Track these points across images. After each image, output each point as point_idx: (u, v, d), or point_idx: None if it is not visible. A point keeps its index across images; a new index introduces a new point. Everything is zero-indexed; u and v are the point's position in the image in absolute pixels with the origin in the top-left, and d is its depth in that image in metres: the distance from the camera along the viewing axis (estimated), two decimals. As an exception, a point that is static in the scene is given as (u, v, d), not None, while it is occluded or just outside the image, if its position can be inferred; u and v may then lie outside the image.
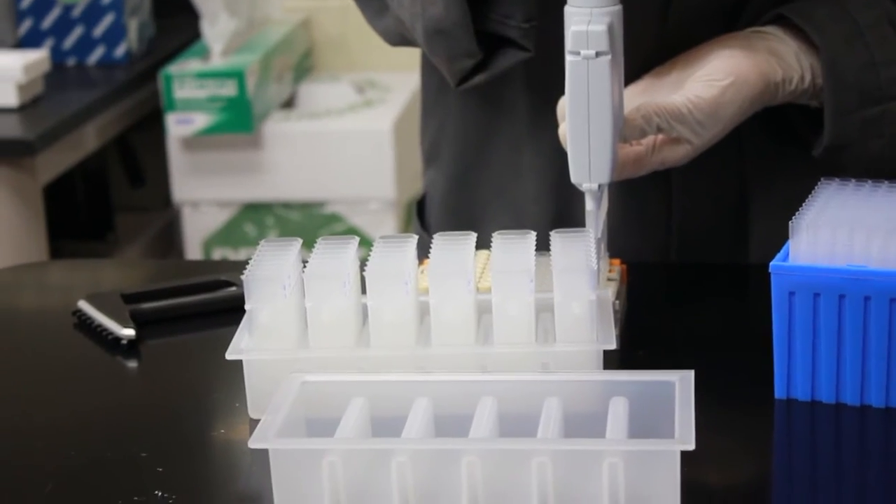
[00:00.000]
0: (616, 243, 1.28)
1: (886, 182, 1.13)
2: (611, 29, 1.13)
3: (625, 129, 1.18)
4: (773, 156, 1.33)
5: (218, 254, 3.09)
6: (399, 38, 1.32)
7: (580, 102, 1.14)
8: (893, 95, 1.25)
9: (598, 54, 1.13)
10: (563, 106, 1.19)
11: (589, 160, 1.16)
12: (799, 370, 1.09)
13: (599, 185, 1.17)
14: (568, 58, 1.14)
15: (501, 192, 1.39)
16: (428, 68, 1.43)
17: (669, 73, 1.25)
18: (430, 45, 1.25)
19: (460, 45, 1.23)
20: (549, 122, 1.25)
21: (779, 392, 1.10)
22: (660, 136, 1.21)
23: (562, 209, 1.35)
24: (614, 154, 1.16)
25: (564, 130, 1.18)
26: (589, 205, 1.17)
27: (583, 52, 1.13)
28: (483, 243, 1.15)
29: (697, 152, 1.22)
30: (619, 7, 1.14)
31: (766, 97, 1.23)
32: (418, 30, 1.24)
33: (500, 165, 1.38)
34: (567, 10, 1.14)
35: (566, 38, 1.14)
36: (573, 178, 1.17)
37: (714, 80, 1.20)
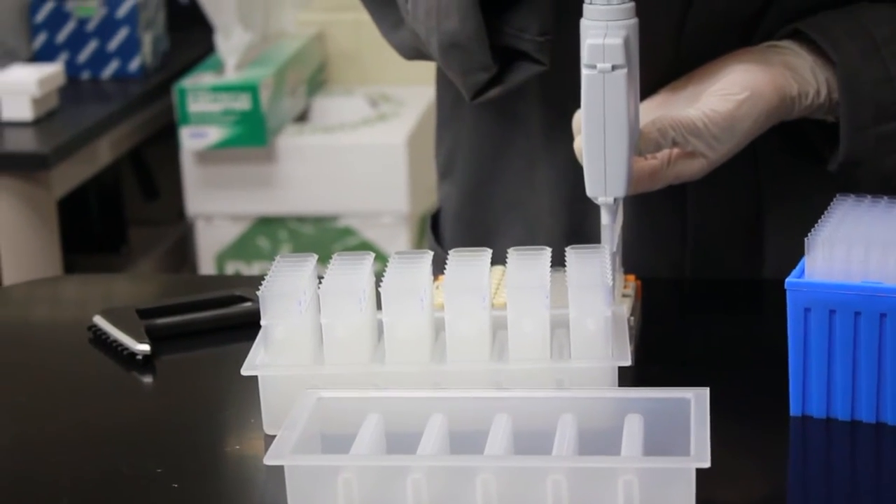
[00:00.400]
0: (631, 258, 1.28)
1: (902, 198, 1.13)
2: (627, 42, 1.13)
3: (640, 143, 1.18)
4: (788, 170, 1.33)
5: (231, 267, 3.09)
6: (414, 51, 1.33)
7: (596, 116, 1.14)
8: None
9: (614, 68, 1.13)
10: (579, 119, 1.19)
11: (605, 174, 1.16)
12: (814, 387, 1.09)
13: (615, 199, 1.17)
14: (584, 71, 1.14)
15: (516, 205, 1.39)
16: (443, 82, 1.44)
17: (685, 87, 1.25)
18: (445, 59, 1.25)
19: (475, 58, 1.23)
20: (565, 135, 1.26)
21: (794, 409, 1.10)
22: (675, 150, 1.21)
23: (577, 223, 1.35)
24: (630, 168, 1.16)
25: (580, 144, 1.18)
26: (605, 219, 1.18)
27: (599, 65, 1.13)
28: (498, 257, 1.15)
29: (713, 167, 1.22)
30: (635, 20, 1.14)
31: (781, 112, 1.23)
32: (433, 44, 1.25)
33: (515, 179, 1.39)
34: (583, 23, 1.14)
35: (582, 51, 1.14)
36: (589, 192, 1.17)
37: (730, 94, 1.21)
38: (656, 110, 1.23)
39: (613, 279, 1.11)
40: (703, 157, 1.21)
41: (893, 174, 1.27)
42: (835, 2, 1.27)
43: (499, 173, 1.40)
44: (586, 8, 1.14)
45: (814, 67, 1.24)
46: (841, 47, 1.24)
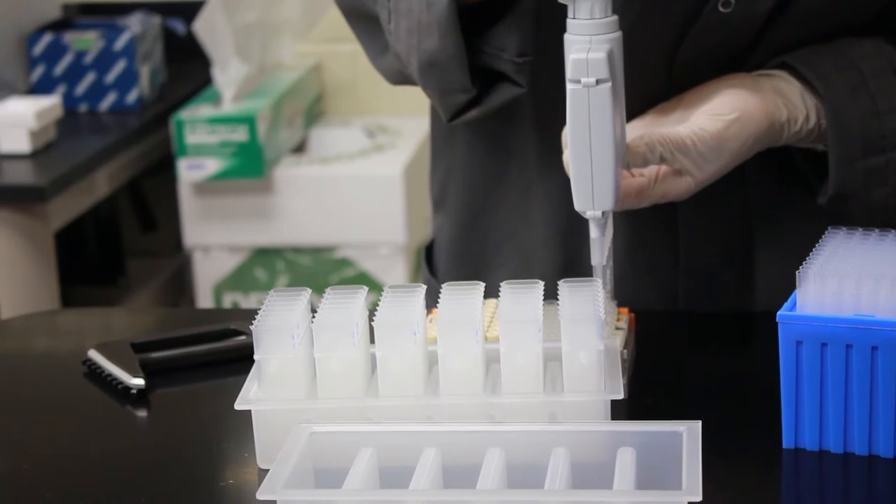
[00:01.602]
0: (624, 288, 1.28)
1: (893, 231, 1.13)
2: (610, 56, 1.13)
3: (627, 157, 1.19)
4: (779, 202, 1.34)
5: (228, 298, 3.10)
6: (399, 76, 1.33)
7: (582, 130, 1.14)
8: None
9: (598, 82, 1.13)
10: (567, 134, 1.19)
11: (592, 187, 1.16)
12: (807, 420, 1.09)
13: (603, 213, 1.17)
14: (568, 86, 1.14)
15: (510, 237, 1.39)
16: (437, 113, 1.44)
17: (675, 109, 1.26)
18: (424, 79, 1.25)
19: (454, 78, 1.23)
20: (559, 166, 1.26)
21: (787, 441, 1.10)
22: (662, 169, 1.21)
23: (571, 255, 1.35)
24: (617, 181, 1.16)
25: (568, 158, 1.18)
26: (593, 232, 1.18)
27: (583, 79, 1.13)
28: (492, 288, 1.15)
29: (700, 187, 1.22)
30: (618, 34, 1.14)
31: (770, 136, 1.23)
32: (413, 64, 1.25)
33: (509, 211, 1.39)
34: (566, 38, 1.15)
35: (566, 66, 1.14)
36: (577, 206, 1.17)
37: (719, 115, 1.21)
38: (644, 129, 1.24)
39: (605, 292, 1.11)
40: (689, 176, 1.21)
41: (882, 207, 1.27)
42: (823, 37, 1.27)
43: (492, 205, 1.40)
44: (569, 23, 1.14)
45: (803, 93, 1.25)
46: (829, 81, 1.24)
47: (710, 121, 1.21)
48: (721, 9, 1.24)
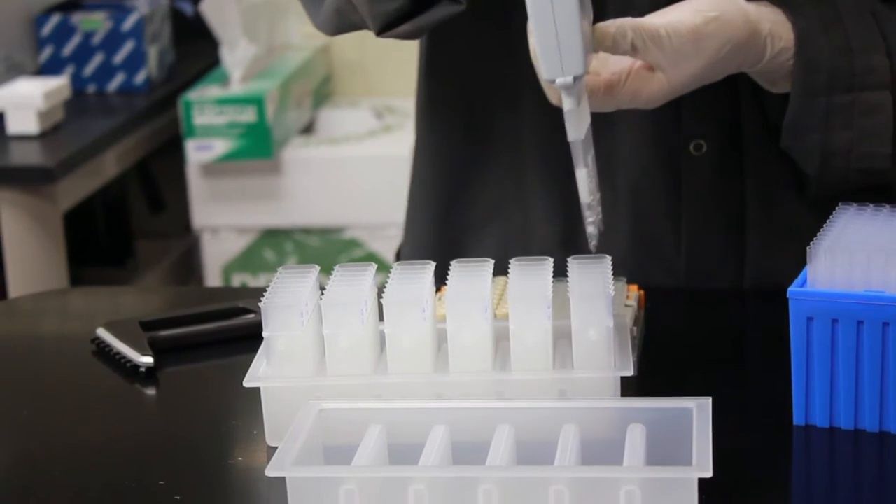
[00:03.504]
0: (626, 269, 1.28)
1: (905, 207, 1.13)
2: None
3: (596, 37, 1.12)
4: (774, 185, 1.32)
5: (237, 279, 3.10)
6: (336, 17, 1.26)
7: None
8: (866, 85, 1.21)
9: None
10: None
11: (559, 50, 1.07)
12: (817, 396, 1.08)
13: (575, 79, 1.08)
14: None
15: (492, 220, 1.37)
16: (424, 115, 1.42)
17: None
18: None
19: None
20: (558, 143, 1.21)
21: (797, 418, 1.09)
22: (635, 65, 1.14)
23: (569, 231, 1.34)
24: (586, 43, 1.08)
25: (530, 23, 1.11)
26: (567, 104, 1.09)
27: None
28: None
29: (672, 90, 1.15)
30: None
31: (751, 49, 1.18)
32: None
33: (492, 193, 1.37)
34: None
35: None
36: (545, 75, 1.09)
37: (699, 10, 1.15)
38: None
39: (588, 174, 1.08)
40: (662, 73, 1.14)
41: (842, 151, 1.22)
42: None
43: (475, 188, 1.38)
44: None
45: (786, 18, 1.20)
46: (801, 12, 1.20)
47: (688, 14, 1.15)
48: None
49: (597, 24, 1.11)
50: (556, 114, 1.19)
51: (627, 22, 1.13)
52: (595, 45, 1.12)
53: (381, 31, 1.21)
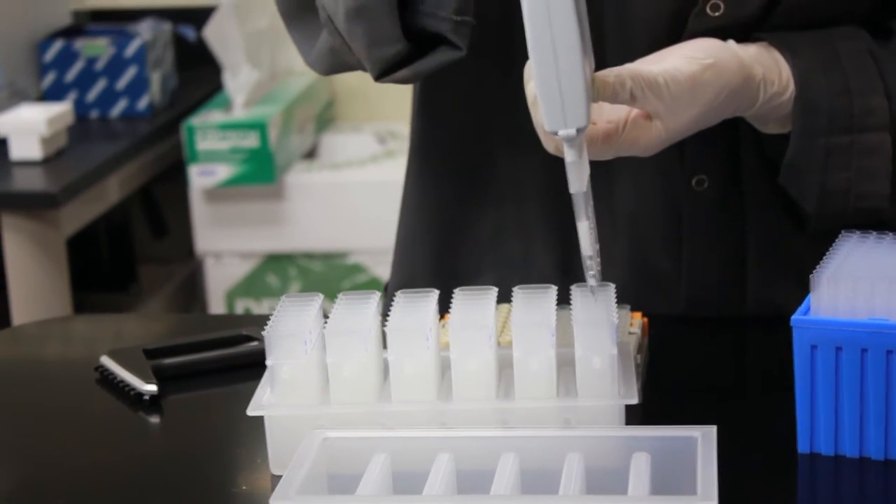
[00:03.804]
0: (627, 297, 1.27)
1: (908, 234, 1.13)
2: None
3: (596, 87, 1.10)
4: (773, 214, 1.32)
5: (241, 305, 3.10)
6: (329, 57, 1.25)
7: (544, 41, 1.04)
8: (865, 127, 1.21)
9: None
10: (531, 69, 1.09)
11: (562, 102, 1.05)
12: (822, 424, 1.08)
13: (578, 131, 1.06)
14: None
15: (489, 251, 1.37)
16: (414, 149, 1.42)
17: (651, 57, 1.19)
18: (350, 28, 1.18)
19: (382, 27, 1.17)
20: (553, 165, 1.19)
21: (802, 446, 1.09)
22: (632, 114, 1.14)
23: (567, 259, 1.33)
24: (588, 95, 1.06)
25: (532, 90, 1.10)
26: (569, 156, 1.07)
27: None
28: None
29: (670, 138, 1.15)
30: None
31: (745, 95, 1.18)
32: (340, 14, 1.18)
33: (489, 224, 1.37)
34: None
35: None
36: (548, 127, 1.06)
37: (695, 58, 1.15)
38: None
39: (587, 222, 1.07)
40: (660, 121, 1.14)
41: (839, 191, 1.22)
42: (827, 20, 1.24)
43: (471, 220, 1.38)
44: None
45: (779, 61, 1.21)
46: (800, 52, 1.21)
47: (685, 62, 1.15)
48: (710, 13, 1.22)
49: (596, 74, 1.11)
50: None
51: (626, 71, 1.12)
52: (594, 94, 1.11)
53: (380, 77, 1.21)
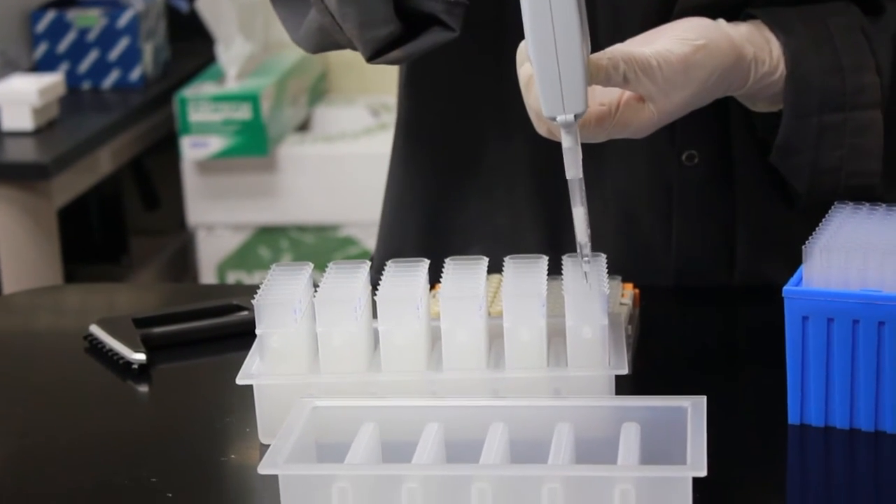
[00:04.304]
0: (615, 269, 1.27)
1: (901, 205, 1.12)
2: None
3: (589, 72, 1.09)
4: (763, 184, 1.31)
5: (232, 277, 3.09)
6: (318, 35, 1.24)
7: (544, 27, 1.03)
8: (857, 104, 1.21)
9: None
10: (524, 48, 1.09)
11: (561, 88, 1.04)
12: (812, 395, 1.08)
13: (575, 116, 1.05)
14: None
15: (477, 227, 1.37)
16: (401, 122, 1.41)
17: (639, 38, 1.19)
18: (342, 9, 1.17)
19: (374, 8, 1.16)
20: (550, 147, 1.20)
21: (792, 417, 1.09)
22: (624, 96, 1.13)
23: (558, 234, 1.33)
24: (586, 80, 1.05)
25: (526, 72, 1.10)
26: (566, 141, 1.06)
27: None
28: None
29: (662, 119, 1.15)
30: None
31: (736, 74, 1.18)
32: None
33: (478, 200, 1.36)
34: None
35: None
36: (546, 112, 1.05)
37: (687, 39, 1.15)
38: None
39: (581, 206, 1.06)
40: (653, 103, 1.13)
41: (832, 169, 1.22)
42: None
43: (461, 197, 1.37)
44: None
45: (770, 39, 1.20)
46: (791, 30, 1.20)
47: (676, 44, 1.14)
48: None
49: (590, 57, 1.10)
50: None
51: (619, 53, 1.11)
52: (589, 77, 1.09)
53: (372, 58, 1.20)
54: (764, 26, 1.21)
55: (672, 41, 1.15)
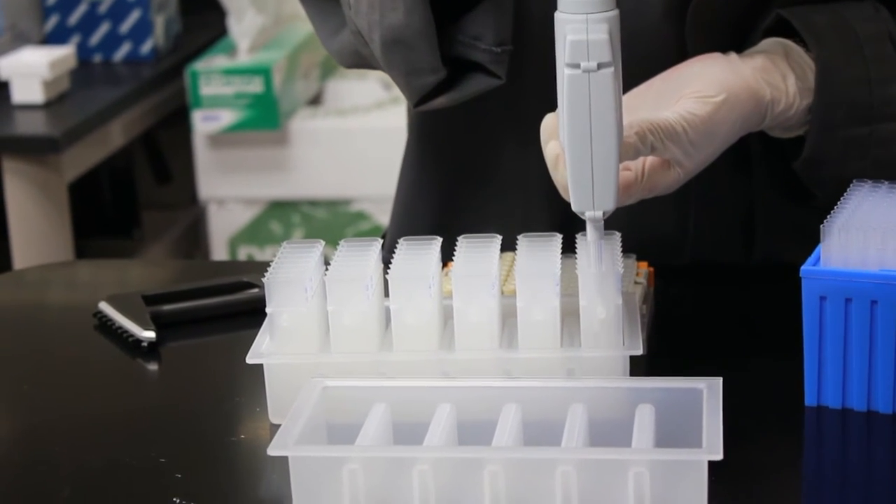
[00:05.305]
0: (630, 242, 1.25)
1: (920, 185, 1.11)
2: (612, 37, 1.02)
3: None
4: (782, 179, 1.30)
5: (244, 252, 3.08)
6: (355, 57, 1.25)
7: (581, 121, 1.02)
8: (884, 116, 1.21)
9: (599, 66, 1.01)
10: (549, 124, 1.09)
11: (592, 185, 1.04)
12: (830, 377, 1.07)
13: (604, 213, 1.05)
14: (566, 71, 1.01)
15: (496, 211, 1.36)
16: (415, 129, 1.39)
17: (648, 91, 1.18)
18: (387, 57, 1.18)
19: (421, 57, 1.16)
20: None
21: (809, 399, 1.08)
22: (649, 161, 1.13)
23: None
24: (618, 177, 1.05)
25: (553, 151, 1.09)
26: (591, 235, 1.06)
27: (583, 64, 1.01)
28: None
29: (688, 177, 1.15)
30: (615, 12, 1.02)
31: (755, 118, 1.18)
32: (376, 41, 1.17)
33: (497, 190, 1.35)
34: (558, 16, 1.02)
35: (560, 48, 1.02)
36: (575, 207, 1.05)
37: (707, 97, 1.14)
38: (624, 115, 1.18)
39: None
40: (678, 166, 1.13)
41: (851, 180, 1.19)
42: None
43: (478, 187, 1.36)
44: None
45: (785, 75, 1.19)
46: (824, 43, 1.19)
47: (698, 105, 1.13)
48: None
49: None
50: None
51: (644, 125, 1.09)
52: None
53: (418, 105, 1.20)
54: (779, 57, 1.20)
55: (693, 102, 1.13)
